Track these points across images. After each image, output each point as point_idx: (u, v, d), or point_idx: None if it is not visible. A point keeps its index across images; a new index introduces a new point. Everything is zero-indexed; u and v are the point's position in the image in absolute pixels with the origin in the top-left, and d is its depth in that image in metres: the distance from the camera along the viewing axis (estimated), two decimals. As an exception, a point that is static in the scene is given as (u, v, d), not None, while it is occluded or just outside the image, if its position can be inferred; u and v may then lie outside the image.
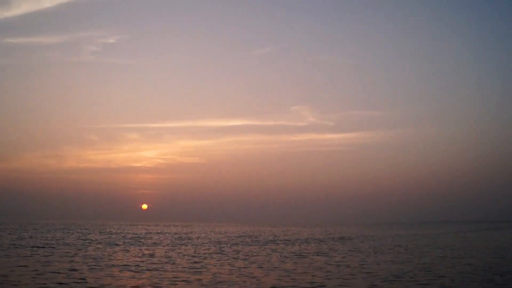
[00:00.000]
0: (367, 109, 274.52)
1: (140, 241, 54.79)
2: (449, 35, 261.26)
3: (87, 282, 22.53)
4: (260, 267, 29.64)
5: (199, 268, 28.67)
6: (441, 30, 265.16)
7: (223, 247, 47.17)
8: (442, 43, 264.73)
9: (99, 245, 46.18)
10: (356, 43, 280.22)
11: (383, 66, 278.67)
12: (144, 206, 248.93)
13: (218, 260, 33.49)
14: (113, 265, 29.44)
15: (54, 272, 25.63)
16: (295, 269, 28.74)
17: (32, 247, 42.38)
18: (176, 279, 24.20)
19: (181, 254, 37.95)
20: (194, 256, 36.40)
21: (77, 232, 77.10)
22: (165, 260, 33.19)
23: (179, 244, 51.26)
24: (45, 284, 21.87)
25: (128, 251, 40.68)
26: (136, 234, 75.13)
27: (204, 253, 39.21)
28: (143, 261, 32.26)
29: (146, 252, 40.05)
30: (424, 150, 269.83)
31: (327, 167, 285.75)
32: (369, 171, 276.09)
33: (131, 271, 27.42)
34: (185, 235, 72.62)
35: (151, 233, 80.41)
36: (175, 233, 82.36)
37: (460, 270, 29.00)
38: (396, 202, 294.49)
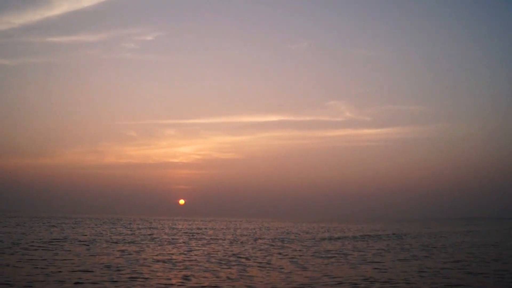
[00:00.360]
0: (405, 104, 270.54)
1: (176, 236, 55.65)
2: (489, 26, 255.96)
3: (122, 274, 23.18)
4: (293, 263, 29.85)
5: (232, 262, 29.07)
6: (481, 22, 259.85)
7: (260, 243, 47.51)
8: (481, 36, 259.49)
9: (137, 239, 47.17)
10: (393, 36, 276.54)
11: (420, 59, 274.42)
12: (181, 201, 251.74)
13: (251, 256, 33.84)
14: (148, 258, 30.12)
15: (93, 264, 26.41)
16: (326, 266, 28.89)
17: (72, 239, 43.64)
18: (207, 272, 24.65)
19: (216, 249, 38.48)
20: (229, 250, 36.85)
21: (117, 226, 78.72)
22: (199, 254, 33.75)
23: (214, 239, 51.85)
24: (80, 277, 22.59)
25: (164, 245, 41.46)
26: (173, 228, 76.26)
27: (240, 249, 39.64)
28: (178, 255, 32.88)
29: (182, 246, 40.74)
30: (466, 145, 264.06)
31: (364, 162, 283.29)
32: (407, 166, 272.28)
33: (165, 262, 28.05)
34: (221, 230, 73.31)
35: (187, 228, 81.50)
36: (211, 228, 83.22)
37: (495, 268, 28.65)
38: (437, 198, 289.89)
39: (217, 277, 23.34)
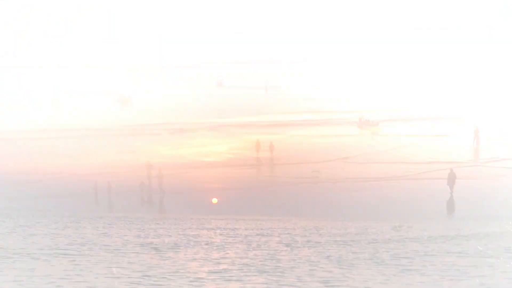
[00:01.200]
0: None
1: (211, 235, 55.79)
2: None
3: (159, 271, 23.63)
4: (337, 265, 29.72)
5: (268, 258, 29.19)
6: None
7: (297, 242, 47.21)
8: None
9: (172, 239, 47.62)
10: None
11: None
12: (214, 200, 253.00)
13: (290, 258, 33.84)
14: (183, 259, 30.50)
15: (130, 263, 26.98)
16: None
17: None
18: (242, 266, 24.86)
19: (254, 250, 38.60)
20: (263, 251, 36.94)
21: (151, 227, 79.34)
22: (234, 252, 33.95)
23: (255, 239, 51.71)
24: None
25: (199, 243, 41.80)
26: (209, 228, 76.32)
27: (274, 250, 39.69)
28: (214, 253, 33.20)
29: (216, 246, 41.00)
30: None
31: (392, 158, 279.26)
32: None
33: (200, 260, 28.40)
34: (259, 231, 72.99)
35: (222, 228, 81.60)
36: (248, 228, 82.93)
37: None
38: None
39: (246, 264, 23.52)
